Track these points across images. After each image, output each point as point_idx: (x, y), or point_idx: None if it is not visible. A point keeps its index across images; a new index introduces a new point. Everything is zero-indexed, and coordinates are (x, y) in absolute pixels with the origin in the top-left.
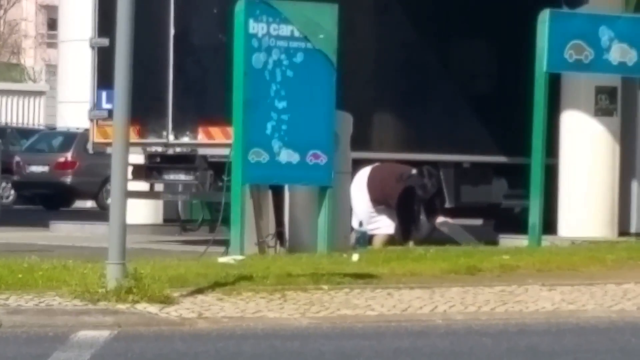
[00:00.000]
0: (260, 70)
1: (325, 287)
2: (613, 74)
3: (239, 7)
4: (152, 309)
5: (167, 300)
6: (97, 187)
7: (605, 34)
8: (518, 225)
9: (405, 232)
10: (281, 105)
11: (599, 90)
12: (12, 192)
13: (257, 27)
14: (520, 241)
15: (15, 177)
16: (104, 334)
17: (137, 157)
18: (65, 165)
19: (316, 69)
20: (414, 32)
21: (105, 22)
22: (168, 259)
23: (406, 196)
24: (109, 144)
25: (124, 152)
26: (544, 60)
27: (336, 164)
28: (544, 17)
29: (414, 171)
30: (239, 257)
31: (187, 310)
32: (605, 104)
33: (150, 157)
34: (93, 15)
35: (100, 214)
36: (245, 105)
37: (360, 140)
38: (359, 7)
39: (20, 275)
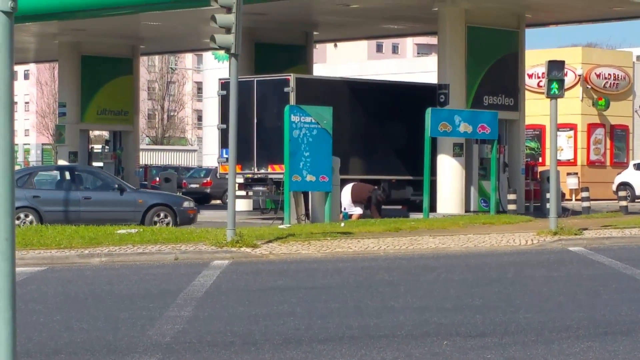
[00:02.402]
0: (296, 138)
1: (328, 238)
2: (461, 137)
3: (287, 109)
4: (248, 249)
5: (255, 245)
6: (221, 193)
7: (457, 118)
8: (418, 208)
9: (363, 215)
10: (307, 154)
11: (455, 144)
12: None
13: (295, 118)
14: (419, 216)
15: (184, 190)
16: (226, 262)
17: (240, 179)
18: (206, 183)
19: (322, 137)
20: (367, 117)
21: (223, 115)
22: (255, 227)
23: (369, 199)
24: (226, 174)
25: (233, 177)
26: (429, 130)
27: (332, 181)
28: (429, 111)
29: (375, 187)
30: (288, 225)
31: (264, 249)
32: (457, 150)
33: (246, 179)
34: (218, 112)
35: (223, 206)
36: (290, 154)
37: (343, 170)
38: (341, 107)
39: (180, 234)
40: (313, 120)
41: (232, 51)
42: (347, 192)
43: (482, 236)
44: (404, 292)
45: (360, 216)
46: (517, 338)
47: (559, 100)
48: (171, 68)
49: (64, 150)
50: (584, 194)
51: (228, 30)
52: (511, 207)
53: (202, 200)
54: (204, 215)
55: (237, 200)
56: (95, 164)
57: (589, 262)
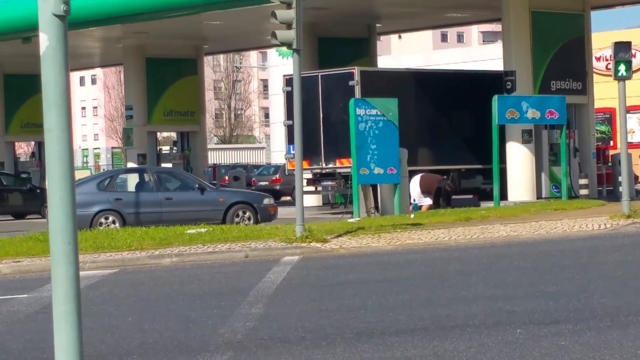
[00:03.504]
0: (362, 131)
1: (398, 230)
2: (529, 123)
3: (352, 102)
4: (318, 244)
5: (324, 240)
6: (291, 190)
7: (524, 104)
8: (489, 197)
9: (436, 205)
10: (373, 146)
11: (523, 131)
12: None
13: (360, 111)
14: (490, 204)
15: (253, 187)
16: (296, 258)
17: (308, 175)
18: (276, 180)
19: (389, 129)
20: (433, 107)
21: (289, 111)
22: (325, 222)
23: (438, 189)
24: (294, 169)
25: (300, 173)
26: (496, 118)
27: (401, 173)
28: (495, 98)
29: (444, 177)
30: (358, 219)
31: (334, 244)
32: (526, 137)
33: (314, 174)
34: (284, 109)
35: (293, 203)
36: (357, 147)
37: (411, 161)
38: (407, 99)
39: (249, 232)
40: (379, 113)
41: (294, 47)
42: (415, 183)
43: (553, 222)
44: (476, 281)
45: (430, 207)
46: (592, 324)
47: (628, 82)
48: (236, 67)
49: (133, 152)
50: None
51: (289, 26)
52: (583, 192)
53: (273, 197)
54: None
55: (307, 196)
56: (163, 165)
57: None
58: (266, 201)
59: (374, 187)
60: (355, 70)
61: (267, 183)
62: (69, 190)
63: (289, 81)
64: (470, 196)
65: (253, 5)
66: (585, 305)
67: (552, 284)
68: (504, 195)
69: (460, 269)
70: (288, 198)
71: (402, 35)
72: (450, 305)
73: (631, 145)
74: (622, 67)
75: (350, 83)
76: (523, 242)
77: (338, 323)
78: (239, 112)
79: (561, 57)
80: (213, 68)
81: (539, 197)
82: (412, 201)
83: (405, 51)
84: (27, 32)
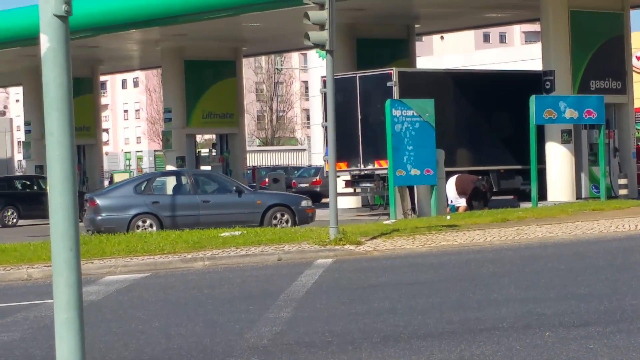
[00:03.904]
0: (399, 132)
1: (433, 232)
2: (567, 123)
3: (388, 103)
4: (351, 247)
5: (358, 243)
6: None
7: (562, 104)
8: (529, 197)
9: (471, 206)
10: (410, 148)
11: (563, 131)
12: None
13: (396, 112)
14: (529, 205)
15: (293, 189)
16: (329, 260)
17: (346, 176)
18: (316, 182)
19: (425, 130)
20: (472, 108)
21: (327, 113)
22: (361, 224)
23: (474, 189)
24: None
25: (334, 175)
26: (534, 118)
27: (438, 174)
28: (532, 98)
29: (479, 177)
30: (393, 221)
31: (368, 246)
32: (566, 137)
33: (352, 176)
34: (322, 111)
35: None
36: (393, 149)
37: (450, 162)
38: (445, 99)
39: (283, 234)
40: (415, 114)
41: (327, 48)
42: (451, 184)
43: (590, 223)
44: (508, 283)
45: (467, 208)
46: (622, 326)
47: None
48: (277, 68)
49: (172, 155)
50: None
51: (322, 27)
52: (622, 192)
53: (313, 199)
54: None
55: (346, 198)
56: (202, 167)
57: None
58: (304, 203)
59: (411, 189)
60: (393, 71)
61: (307, 185)
62: (69, 195)
63: (326, 82)
64: (510, 197)
65: (289, 6)
66: (617, 307)
67: (585, 285)
68: (543, 196)
69: (493, 270)
70: (328, 200)
71: (444, 36)
72: (481, 307)
73: None
74: None
75: (388, 84)
76: (558, 243)
77: (366, 327)
78: (280, 114)
79: (600, 56)
80: (255, 70)
81: (578, 197)
82: (449, 202)
83: (447, 52)
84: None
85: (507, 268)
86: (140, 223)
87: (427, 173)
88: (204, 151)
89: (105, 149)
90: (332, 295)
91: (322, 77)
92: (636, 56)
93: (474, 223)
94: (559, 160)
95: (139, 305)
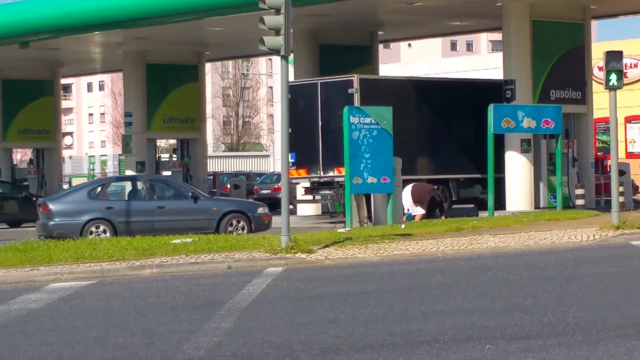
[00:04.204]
0: (356, 140)
1: (386, 240)
2: (525, 132)
3: (346, 110)
4: (303, 255)
5: (310, 251)
6: (292, 198)
7: (520, 114)
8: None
9: (429, 215)
10: (367, 155)
11: (522, 140)
12: None
13: (354, 119)
14: (486, 214)
15: (255, 196)
16: (279, 269)
17: (306, 183)
18: (278, 189)
19: (383, 138)
20: (433, 116)
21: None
22: (316, 232)
23: (431, 199)
24: (292, 178)
25: (286, 183)
26: (492, 127)
27: (395, 182)
28: (491, 107)
29: (435, 187)
30: (348, 229)
31: (319, 255)
32: (525, 146)
33: (312, 183)
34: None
35: (293, 211)
36: (350, 156)
37: (410, 170)
38: (406, 107)
39: (235, 242)
40: (373, 121)
41: (282, 53)
42: (407, 192)
43: (543, 233)
44: (455, 294)
45: (424, 216)
46: (563, 339)
47: (630, 92)
48: (243, 74)
49: (132, 160)
50: None
51: (277, 32)
52: (579, 202)
53: (274, 205)
54: (273, 221)
55: (306, 205)
56: (163, 173)
57: None
58: (260, 210)
59: (368, 197)
60: (355, 78)
61: (269, 191)
62: None
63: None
64: (471, 205)
65: (249, 11)
66: (560, 320)
67: (531, 297)
68: (503, 205)
69: (442, 281)
70: (291, 207)
71: (413, 43)
72: (425, 319)
73: (633, 155)
74: (613, 77)
75: (350, 91)
76: (510, 253)
77: (307, 338)
78: (247, 120)
79: (561, 66)
80: (221, 75)
81: (537, 207)
82: (405, 211)
83: (415, 59)
84: (25, 36)
85: (456, 278)
86: (93, 229)
87: (384, 181)
88: (164, 156)
89: (69, 152)
90: (277, 305)
91: None
92: (599, 67)
93: (428, 232)
94: (518, 170)
95: (80, 314)
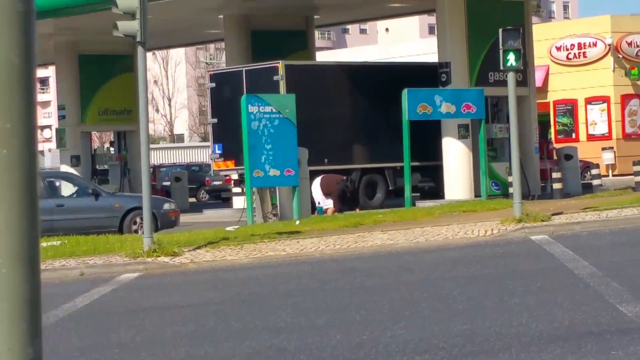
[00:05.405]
0: (256, 130)
1: (266, 240)
2: (443, 118)
3: (243, 99)
4: (166, 259)
5: (174, 254)
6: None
7: (437, 98)
8: (430, 195)
9: (339, 209)
10: (268, 147)
11: (460, 125)
12: (207, 195)
13: (252, 108)
14: (430, 203)
15: (207, 187)
16: (134, 275)
17: (235, 175)
18: (228, 180)
19: (285, 127)
20: (367, 102)
21: (214, 109)
22: (199, 230)
23: (340, 190)
24: (219, 170)
25: (147, 179)
26: (406, 114)
27: (300, 174)
28: (405, 92)
29: (344, 178)
30: (237, 227)
31: (184, 258)
32: (463, 132)
33: (239, 175)
34: (209, 108)
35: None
36: (250, 148)
37: (345, 159)
38: (338, 94)
39: (101, 245)
40: (274, 110)
41: (138, 39)
42: (316, 185)
43: (439, 228)
44: (290, 305)
45: (335, 210)
46: None
47: (590, 73)
48: (206, 63)
49: (66, 154)
50: (594, 172)
51: (133, 16)
52: (512, 190)
53: (226, 197)
54: (206, 214)
55: (239, 198)
56: (99, 167)
57: (539, 254)
58: (166, 206)
59: (273, 191)
60: (280, 65)
61: (220, 183)
62: None
63: (213, 77)
64: (416, 194)
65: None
66: (375, 341)
67: (368, 309)
68: (442, 194)
69: (292, 288)
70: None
71: (390, 28)
72: (229, 338)
73: (594, 137)
74: (511, 57)
75: (275, 78)
76: (393, 252)
77: None
78: None
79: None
80: (193, 65)
81: (477, 195)
82: (317, 204)
83: (393, 43)
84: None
85: (310, 284)
86: None
87: (288, 174)
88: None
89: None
90: (91, 322)
91: (209, 71)
92: (556, 47)
93: (320, 229)
94: (456, 156)
95: None
